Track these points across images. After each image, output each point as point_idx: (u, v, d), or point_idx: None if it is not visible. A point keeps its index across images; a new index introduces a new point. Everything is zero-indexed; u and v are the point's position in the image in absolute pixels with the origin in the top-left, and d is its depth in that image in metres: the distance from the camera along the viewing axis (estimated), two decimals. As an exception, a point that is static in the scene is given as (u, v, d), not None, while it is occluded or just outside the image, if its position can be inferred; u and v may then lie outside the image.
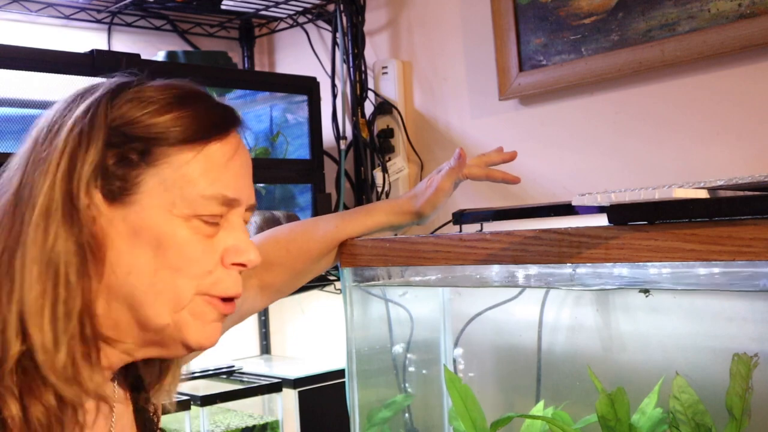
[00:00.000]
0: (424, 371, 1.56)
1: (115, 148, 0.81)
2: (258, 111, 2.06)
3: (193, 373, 1.93)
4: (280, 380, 1.89)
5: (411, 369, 1.53)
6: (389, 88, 1.99)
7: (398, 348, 1.52)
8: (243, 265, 0.86)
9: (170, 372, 0.95)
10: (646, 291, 1.15)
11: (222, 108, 0.88)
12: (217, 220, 0.85)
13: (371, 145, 1.99)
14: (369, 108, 2.01)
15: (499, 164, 1.33)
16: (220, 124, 0.86)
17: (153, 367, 0.94)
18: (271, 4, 2.07)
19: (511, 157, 1.33)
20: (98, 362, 0.81)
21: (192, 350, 0.88)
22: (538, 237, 1.01)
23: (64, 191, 0.79)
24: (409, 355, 1.52)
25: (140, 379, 0.94)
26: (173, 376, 0.95)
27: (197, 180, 0.83)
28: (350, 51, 2.00)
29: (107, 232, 0.81)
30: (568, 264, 1.01)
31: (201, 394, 1.76)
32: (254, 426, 1.86)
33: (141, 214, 0.81)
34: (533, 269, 1.18)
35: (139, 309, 0.82)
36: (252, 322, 2.33)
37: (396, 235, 1.37)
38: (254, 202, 0.91)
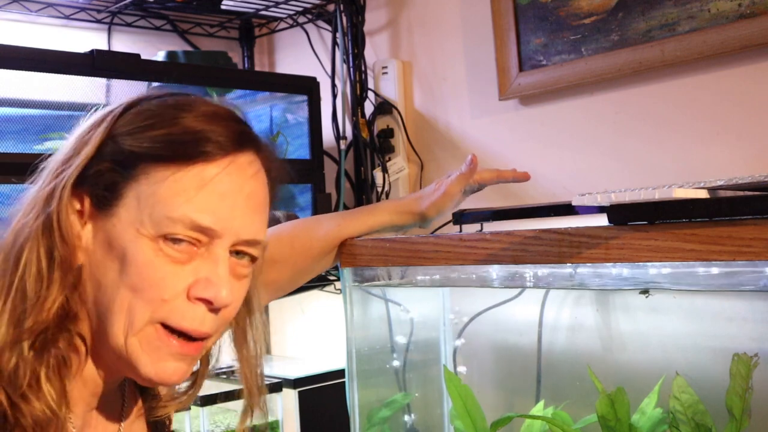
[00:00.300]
0: (424, 371, 1.56)
1: (108, 156, 0.80)
2: (258, 111, 2.06)
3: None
4: (280, 380, 1.88)
5: (411, 369, 1.53)
6: (389, 88, 1.99)
7: (398, 348, 1.52)
8: (209, 302, 0.80)
9: (191, 391, 0.95)
10: (646, 292, 1.15)
11: (229, 129, 0.82)
12: (190, 247, 0.79)
13: (371, 145, 1.99)
14: (369, 108, 2.01)
15: (510, 182, 1.32)
16: (214, 144, 0.80)
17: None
18: (271, 4, 2.07)
19: (525, 177, 1.30)
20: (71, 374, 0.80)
21: (148, 383, 0.85)
22: (538, 237, 1.01)
23: (50, 189, 0.80)
24: (409, 355, 1.52)
25: (155, 394, 0.95)
26: (191, 395, 0.95)
27: (168, 200, 0.78)
28: (350, 51, 2.00)
29: (87, 241, 0.81)
30: (568, 264, 1.01)
31: (201, 394, 1.76)
32: (254, 426, 1.85)
33: (116, 227, 0.80)
34: (533, 269, 1.18)
35: (101, 322, 0.81)
36: (252, 322, 2.33)
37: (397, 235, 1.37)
38: (255, 237, 0.83)
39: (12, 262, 0.79)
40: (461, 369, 1.59)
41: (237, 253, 0.83)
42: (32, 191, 0.83)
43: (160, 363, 0.80)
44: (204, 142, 0.80)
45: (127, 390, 0.93)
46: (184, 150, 0.79)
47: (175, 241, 0.79)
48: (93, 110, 0.86)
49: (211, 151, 0.80)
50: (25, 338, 0.76)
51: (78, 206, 0.81)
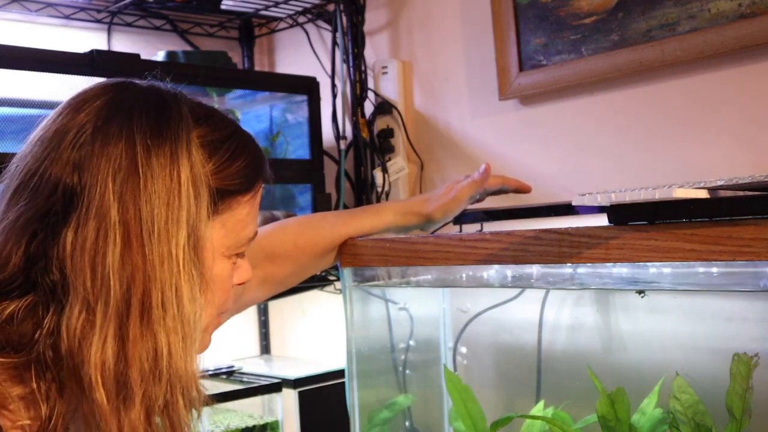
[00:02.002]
0: (424, 371, 1.56)
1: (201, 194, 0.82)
2: (258, 111, 2.06)
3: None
4: (280, 380, 1.88)
5: (411, 369, 1.53)
6: (389, 88, 1.99)
7: (398, 348, 1.52)
8: (242, 284, 0.91)
9: None
10: (641, 292, 1.15)
11: (256, 142, 0.90)
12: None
13: (371, 145, 1.99)
14: (369, 108, 2.01)
15: (512, 191, 1.34)
16: (264, 164, 0.89)
17: None
18: (271, 4, 2.07)
19: (527, 189, 1.34)
20: None
21: None
22: (538, 237, 1.01)
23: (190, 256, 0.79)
24: (409, 355, 1.52)
25: None
26: None
27: (248, 225, 0.87)
28: (350, 51, 2.00)
29: None
30: (568, 264, 1.01)
31: (201, 394, 1.75)
32: (254, 426, 1.86)
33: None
34: (533, 269, 1.18)
35: None
36: (252, 322, 2.33)
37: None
38: None
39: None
40: (461, 366, 1.59)
41: None
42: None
43: (206, 337, 0.88)
44: (264, 168, 0.89)
45: None
46: (257, 178, 0.88)
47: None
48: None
49: (267, 169, 0.90)
50: None
51: None
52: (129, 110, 0.78)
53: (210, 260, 0.82)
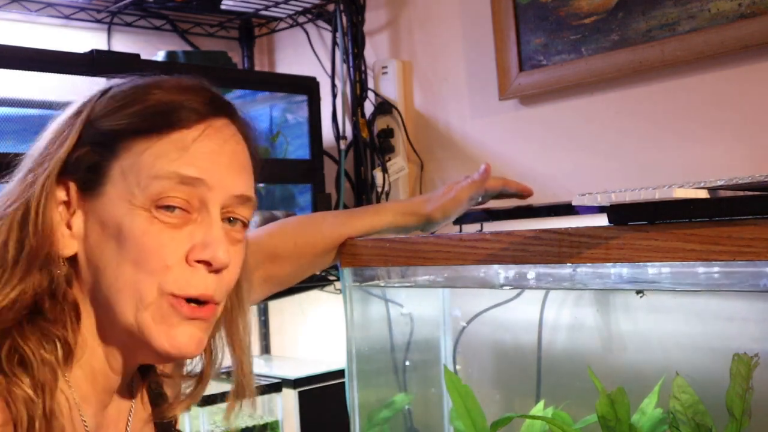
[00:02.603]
0: (424, 371, 1.56)
1: (88, 140, 0.82)
2: (258, 111, 2.06)
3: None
4: (280, 380, 1.88)
5: (411, 369, 1.53)
6: (389, 88, 1.99)
7: (398, 348, 1.52)
8: (208, 264, 0.81)
9: (196, 390, 0.95)
10: (640, 292, 1.15)
11: (198, 94, 0.85)
12: (183, 207, 0.81)
13: (371, 145, 1.99)
14: (369, 108, 2.01)
15: (513, 194, 1.34)
16: (188, 110, 0.83)
17: (176, 385, 0.95)
18: (271, 3, 2.07)
19: (528, 192, 1.34)
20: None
21: (165, 358, 0.85)
22: (538, 237, 1.01)
23: (31, 180, 0.82)
24: (409, 355, 1.52)
25: (162, 395, 0.95)
26: (196, 394, 0.95)
27: (152, 163, 0.80)
28: (350, 51, 2.00)
29: (79, 229, 0.82)
30: (568, 264, 1.01)
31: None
32: (254, 426, 1.86)
33: (106, 206, 0.81)
34: (533, 269, 1.18)
35: (107, 306, 0.81)
36: (252, 322, 2.33)
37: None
38: (245, 193, 0.85)
39: None
40: (461, 366, 1.59)
41: (229, 220, 0.85)
42: (11, 184, 0.84)
43: (172, 331, 0.81)
44: (178, 111, 0.83)
45: (135, 394, 0.93)
46: (161, 120, 0.82)
47: (168, 207, 0.80)
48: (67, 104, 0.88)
49: (186, 117, 0.83)
50: None
51: (64, 196, 0.83)
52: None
53: (103, 208, 0.81)
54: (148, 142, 0.81)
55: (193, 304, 0.81)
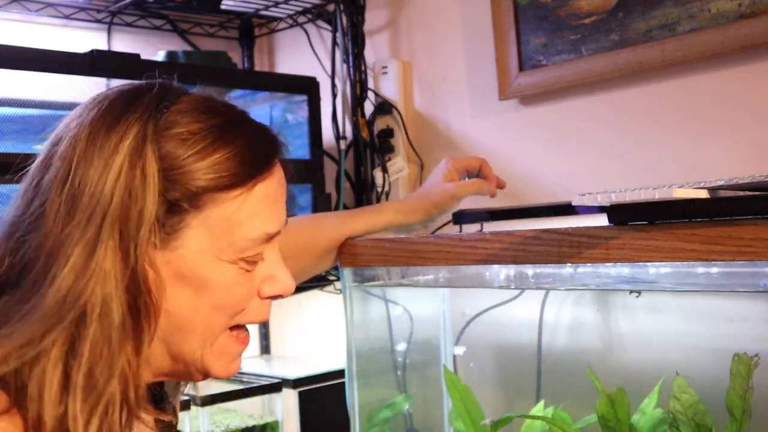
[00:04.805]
0: (424, 371, 1.56)
1: (168, 199, 0.76)
2: (258, 111, 2.06)
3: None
4: (280, 380, 1.88)
5: (411, 369, 1.53)
6: (389, 88, 1.99)
7: (398, 348, 1.52)
8: (279, 296, 0.85)
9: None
10: (637, 292, 1.15)
11: (266, 135, 0.84)
12: (260, 258, 0.82)
13: (371, 145, 1.99)
14: (369, 108, 2.01)
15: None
16: (265, 157, 0.82)
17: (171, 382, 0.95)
18: (271, 4, 2.07)
19: (500, 187, 1.37)
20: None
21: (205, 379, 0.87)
22: (538, 237, 1.01)
23: (121, 258, 0.74)
24: (409, 355, 1.52)
25: (163, 394, 0.94)
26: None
27: (244, 224, 0.79)
28: (350, 51, 2.00)
29: (153, 280, 0.77)
30: (568, 264, 1.01)
31: (201, 394, 1.76)
32: (254, 426, 1.86)
33: (186, 258, 0.77)
34: (533, 269, 1.18)
35: (173, 344, 0.80)
36: (252, 322, 2.33)
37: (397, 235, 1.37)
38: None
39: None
40: (461, 366, 1.59)
41: None
42: (76, 232, 0.73)
43: (231, 364, 0.85)
44: (263, 160, 0.81)
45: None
46: (250, 172, 0.80)
47: (254, 260, 0.82)
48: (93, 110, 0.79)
49: (268, 164, 0.82)
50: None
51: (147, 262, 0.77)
52: (89, 107, 0.80)
53: (186, 264, 0.77)
54: (238, 196, 0.79)
55: (243, 333, 0.85)
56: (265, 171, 0.81)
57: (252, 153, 0.80)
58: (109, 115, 0.77)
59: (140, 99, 0.79)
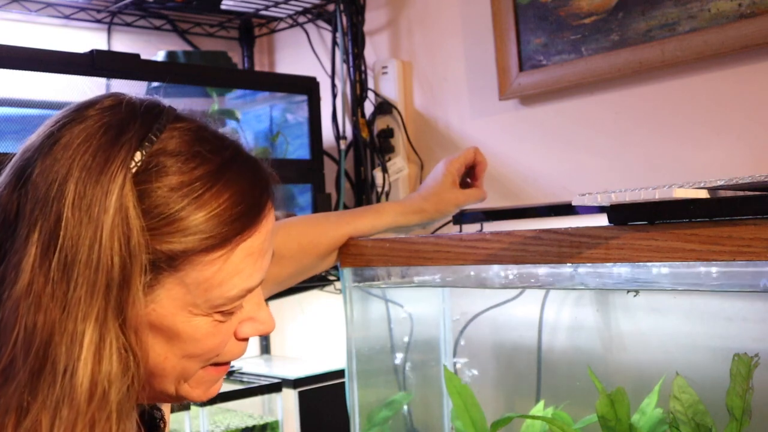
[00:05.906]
0: (424, 371, 1.56)
1: (141, 255, 0.70)
2: (258, 111, 2.06)
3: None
4: (280, 380, 1.88)
5: (411, 369, 1.53)
6: (389, 88, 1.99)
7: (398, 348, 1.52)
8: (259, 335, 0.82)
9: None
10: (635, 291, 1.15)
11: (258, 179, 0.77)
12: (237, 309, 0.78)
13: (371, 145, 1.99)
14: (369, 108, 2.01)
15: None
16: (254, 209, 0.75)
17: None
18: (271, 4, 2.07)
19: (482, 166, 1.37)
20: None
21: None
22: (538, 237, 1.01)
23: (119, 326, 0.70)
24: (409, 355, 1.52)
25: (159, 410, 0.94)
26: None
27: (224, 283, 0.74)
28: (350, 51, 2.00)
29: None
30: (568, 264, 1.01)
31: (201, 394, 1.75)
32: (254, 426, 1.86)
33: (157, 311, 0.74)
34: (533, 269, 1.18)
35: (146, 383, 0.76)
36: (252, 322, 2.33)
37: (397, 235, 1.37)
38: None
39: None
40: (461, 367, 1.59)
41: None
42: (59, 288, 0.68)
43: (209, 391, 0.82)
44: (253, 214, 0.75)
45: None
46: (237, 231, 0.74)
47: (231, 312, 0.78)
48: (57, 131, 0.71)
49: (256, 217, 0.76)
50: None
51: None
52: (77, 144, 0.71)
53: (167, 316, 0.73)
54: (219, 258, 0.73)
55: (224, 365, 0.82)
56: (252, 226, 0.75)
57: (238, 210, 0.74)
58: (91, 160, 0.70)
59: (122, 136, 0.72)
